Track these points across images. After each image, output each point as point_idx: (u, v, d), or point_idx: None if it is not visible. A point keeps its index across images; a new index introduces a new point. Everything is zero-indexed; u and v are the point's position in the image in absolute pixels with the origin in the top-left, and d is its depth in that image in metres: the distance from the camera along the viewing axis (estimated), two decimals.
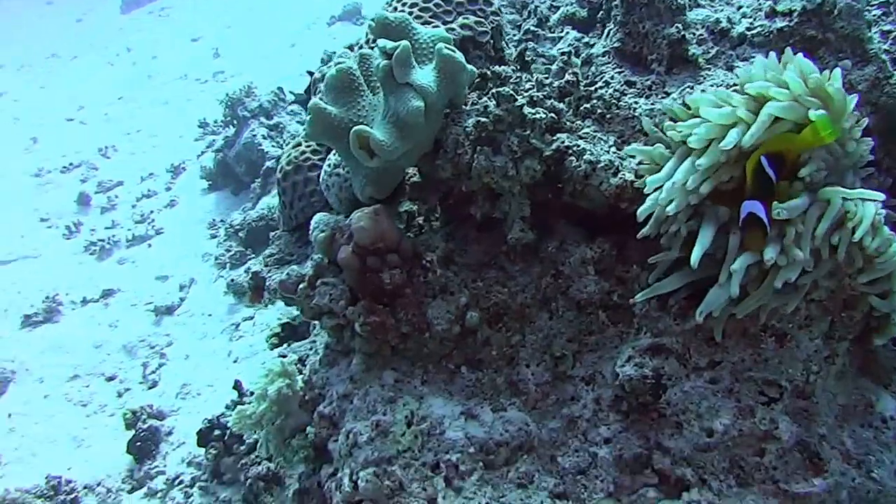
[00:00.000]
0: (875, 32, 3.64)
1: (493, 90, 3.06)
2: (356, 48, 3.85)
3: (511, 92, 3.02)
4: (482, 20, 3.94)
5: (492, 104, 3.04)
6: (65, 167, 14.73)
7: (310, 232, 3.26)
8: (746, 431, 2.74)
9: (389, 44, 2.95)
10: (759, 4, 3.60)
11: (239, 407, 3.56)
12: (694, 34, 3.48)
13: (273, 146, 10.64)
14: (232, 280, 8.56)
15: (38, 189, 13.96)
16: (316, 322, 3.59)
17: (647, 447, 2.88)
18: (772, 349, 2.81)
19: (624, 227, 3.03)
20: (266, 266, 4.22)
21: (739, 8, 3.71)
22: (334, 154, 3.66)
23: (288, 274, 3.24)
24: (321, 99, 3.15)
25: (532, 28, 4.88)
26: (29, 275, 10.51)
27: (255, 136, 10.81)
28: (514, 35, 4.94)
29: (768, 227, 2.43)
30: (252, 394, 5.54)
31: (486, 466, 2.93)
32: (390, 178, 3.25)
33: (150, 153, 14.55)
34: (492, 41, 3.95)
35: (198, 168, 12.39)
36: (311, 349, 4.09)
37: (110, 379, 7.76)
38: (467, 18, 3.90)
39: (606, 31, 3.76)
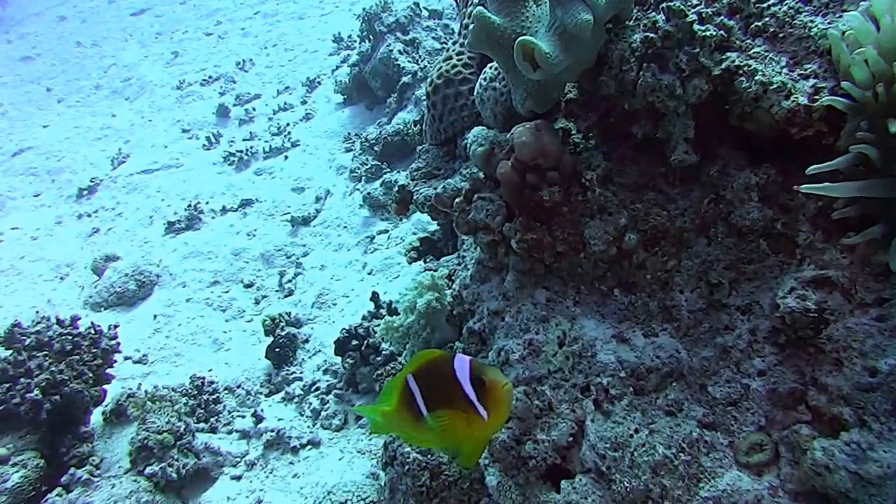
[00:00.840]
0: None
1: (664, 4, 2.94)
2: None
3: (682, 6, 2.90)
4: None
5: (661, 19, 2.93)
6: (204, 80, 15.12)
7: (466, 145, 3.24)
8: None
9: None
10: None
11: (386, 317, 3.62)
12: None
13: (409, 61, 10.63)
14: (368, 194, 8.66)
15: (180, 101, 14.39)
16: (464, 237, 3.59)
17: (802, 382, 2.78)
18: None
19: (791, 154, 2.92)
20: (413, 180, 4.22)
21: None
22: (490, 67, 3.61)
23: (444, 187, 3.24)
24: (485, 7, 3.10)
25: None
26: (172, 184, 10.90)
27: (391, 51, 10.82)
28: None
29: None
30: (391, 306, 5.67)
31: (635, 392, 2.91)
32: (552, 91, 3.19)
33: (287, 67, 14.77)
34: None
35: (333, 82, 12.51)
36: (459, 264, 4.10)
37: (248, 286, 8.01)
38: None
39: None
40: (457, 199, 3.19)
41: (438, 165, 4.33)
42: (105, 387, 5.80)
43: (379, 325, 3.80)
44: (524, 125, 3.02)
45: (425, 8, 12.04)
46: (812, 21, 3.08)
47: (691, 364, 2.98)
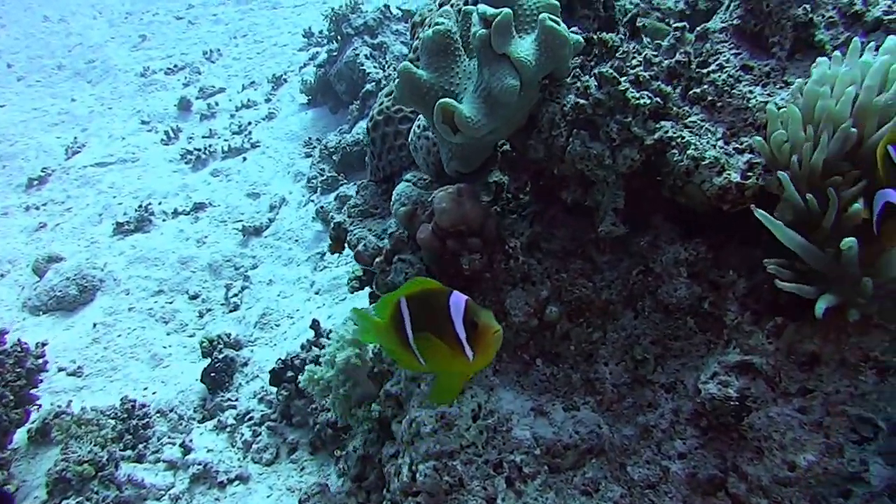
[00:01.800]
0: None
1: (596, 71, 2.82)
2: (450, 4, 3.65)
3: (614, 73, 2.78)
4: None
5: (593, 85, 2.81)
6: (170, 68, 14.88)
7: (391, 203, 3.12)
8: (832, 470, 2.51)
9: (490, 10, 2.74)
10: None
11: (308, 368, 3.50)
12: (823, 16, 3.17)
13: (375, 67, 10.48)
14: (321, 207, 8.50)
15: (143, 89, 14.14)
16: None
17: (723, 468, 2.69)
18: (871, 383, 2.55)
19: (725, 228, 2.82)
20: (349, 217, 4.09)
21: None
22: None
23: (364, 245, 3.11)
24: (413, 61, 2.97)
25: None
26: (125, 180, 10.68)
27: (357, 54, 10.66)
28: None
29: None
30: (328, 335, 5.53)
31: (551, 470, 2.80)
32: (478, 152, 3.07)
33: (255, 60, 14.57)
34: (602, 0, 3.69)
35: (299, 81, 12.33)
36: None
37: (193, 297, 7.84)
38: None
39: (727, 3, 3.46)
40: (377, 259, 3.06)
41: (376, 204, 4.19)
42: (29, 407, 5.61)
43: (323, 354, 3.69)
44: (446, 190, 2.90)
45: (399, 8, 11.88)
46: (751, 91, 2.98)
47: (612, 440, 2.88)
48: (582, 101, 2.80)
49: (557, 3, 3.00)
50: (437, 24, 2.98)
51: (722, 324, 2.83)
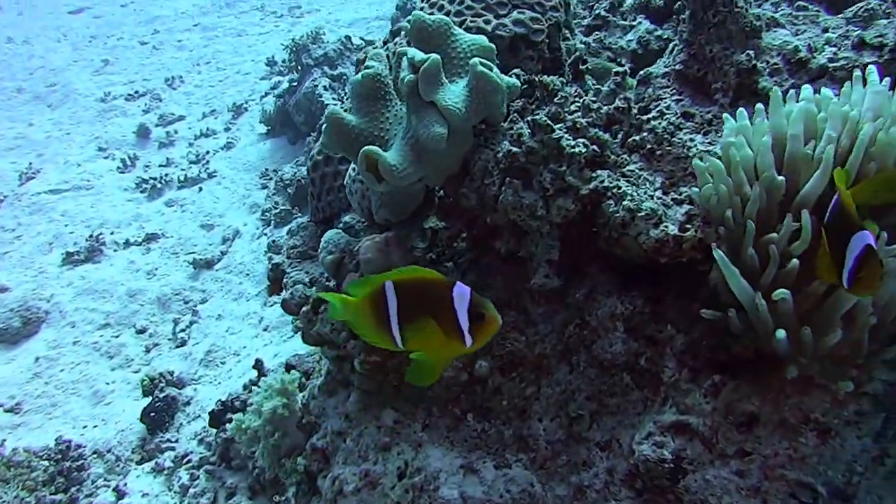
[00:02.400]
0: None
1: (529, 118, 2.72)
2: (394, 43, 3.55)
3: (547, 121, 2.68)
4: (539, 16, 3.58)
5: (526, 132, 2.71)
6: (130, 94, 14.67)
7: (319, 250, 3.00)
8: None
9: (419, 55, 2.64)
10: (847, 31, 3.21)
11: (236, 417, 3.35)
12: (767, 62, 3.11)
13: (334, 98, 10.36)
14: (273, 241, 8.36)
15: (102, 115, 13.90)
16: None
17: None
18: (811, 445, 2.45)
19: (663, 280, 2.72)
20: (288, 258, 3.96)
21: (825, 30, 3.32)
22: None
23: (292, 293, 2.98)
24: (343, 106, 2.86)
25: (603, 13, 4.48)
26: (79, 208, 10.45)
27: (316, 85, 10.55)
28: (585, 18, 4.58)
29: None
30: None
31: None
32: (408, 200, 2.96)
33: (217, 87, 14.40)
34: (547, 40, 3.60)
35: (259, 110, 12.19)
36: (317, 363, 3.85)
37: (141, 332, 7.64)
38: (522, 13, 3.55)
39: (671, 47, 3.39)
40: (304, 308, 2.93)
41: (315, 245, 4.07)
42: None
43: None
44: (372, 238, 2.79)
45: (361, 39, 11.80)
46: (692, 139, 2.91)
47: (545, 500, 2.75)
48: (515, 149, 2.70)
49: (493, 45, 2.91)
50: (366, 67, 2.88)
51: (659, 380, 2.72)
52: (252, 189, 10.19)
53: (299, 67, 11.20)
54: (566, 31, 3.88)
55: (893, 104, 2.36)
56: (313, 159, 4.01)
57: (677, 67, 3.20)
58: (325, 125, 2.78)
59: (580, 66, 3.51)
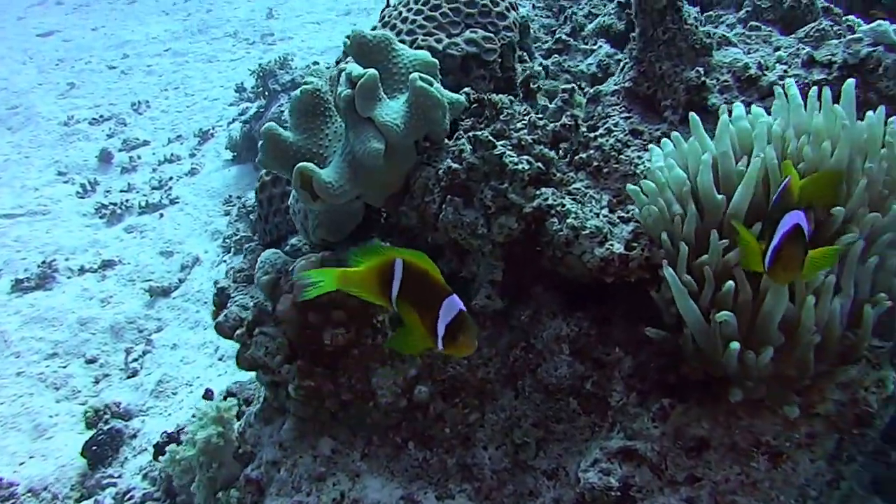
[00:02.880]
0: None
1: (470, 134, 2.63)
2: (345, 62, 3.47)
3: (489, 137, 2.60)
4: (491, 36, 3.51)
5: (468, 149, 2.62)
6: (95, 118, 14.42)
7: (255, 271, 2.88)
8: None
9: (357, 70, 2.55)
10: (798, 49, 3.18)
11: (170, 448, 3.21)
12: (717, 80, 3.06)
13: None
14: (231, 268, 8.18)
15: (64, 139, 13.62)
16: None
17: None
18: (763, 470, 2.36)
19: (609, 301, 2.63)
20: (234, 283, 3.83)
21: (777, 49, 3.29)
22: None
23: (226, 315, 2.86)
24: (283, 123, 2.77)
25: (564, 37, 4.46)
26: (33, 234, 10.17)
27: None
28: (546, 42, 4.54)
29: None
30: None
31: None
32: (345, 219, 2.84)
33: (184, 113, 14.18)
34: (500, 60, 3.52)
35: (226, 136, 12.04)
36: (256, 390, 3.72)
37: (90, 362, 7.38)
38: (475, 33, 3.48)
39: (622, 65, 3.33)
40: (238, 331, 2.81)
41: None
42: None
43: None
44: (307, 258, 2.68)
45: (326, 66, 11.72)
46: (639, 157, 2.84)
47: None
48: (455, 166, 2.61)
49: (436, 61, 2.83)
50: (305, 83, 2.78)
51: (606, 405, 2.63)
52: (215, 216, 10.02)
53: (266, 93, 11.12)
54: (523, 53, 3.83)
55: (815, 119, 2.39)
56: (261, 180, 3.90)
57: (627, 85, 3.14)
58: (261, 141, 2.68)
59: (531, 86, 3.43)
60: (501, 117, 2.78)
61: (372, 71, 2.50)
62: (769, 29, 3.46)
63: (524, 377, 2.74)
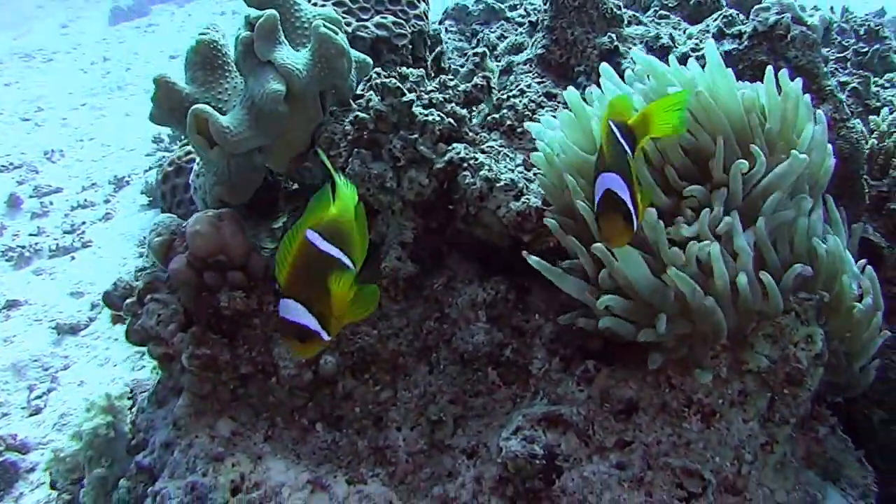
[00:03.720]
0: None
1: (378, 81, 2.48)
2: None
3: (398, 85, 2.44)
4: (402, 22, 3.39)
5: (375, 99, 2.46)
6: (4, 167, 13.99)
7: (147, 234, 2.66)
8: None
9: (255, 12, 2.38)
10: (707, 26, 3.14)
11: (52, 448, 2.90)
12: (629, 48, 2.96)
13: None
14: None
15: None
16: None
17: None
18: (696, 430, 2.20)
19: (528, 266, 2.47)
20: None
21: (685, 31, 3.26)
22: None
23: (115, 284, 2.62)
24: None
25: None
26: None
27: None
28: (458, 62, 4.48)
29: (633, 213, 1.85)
30: None
31: None
32: (246, 176, 2.63)
33: (100, 162, 13.81)
34: (410, 46, 3.40)
35: (143, 183, 11.74)
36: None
37: None
38: (385, 18, 3.36)
39: (534, 38, 3.23)
40: (128, 300, 2.57)
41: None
42: None
43: None
44: (205, 212, 2.46)
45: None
46: (554, 118, 2.70)
47: None
48: (363, 115, 2.45)
49: (339, 18, 2.68)
50: (201, 34, 2.60)
51: (528, 374, 2.47)
52: (129, 257, 9.66)
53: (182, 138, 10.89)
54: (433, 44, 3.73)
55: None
56: (163, 171, 3.71)
57: (539, 52, 3.04)
58: (155, 91, 2.47)
59: (441, 64, 3.31)
60: (411, 78, 2.64)
61: (271, 11, 2.34)
62: (678, 18, 3.46)
63: (438, 349, 2.55)
